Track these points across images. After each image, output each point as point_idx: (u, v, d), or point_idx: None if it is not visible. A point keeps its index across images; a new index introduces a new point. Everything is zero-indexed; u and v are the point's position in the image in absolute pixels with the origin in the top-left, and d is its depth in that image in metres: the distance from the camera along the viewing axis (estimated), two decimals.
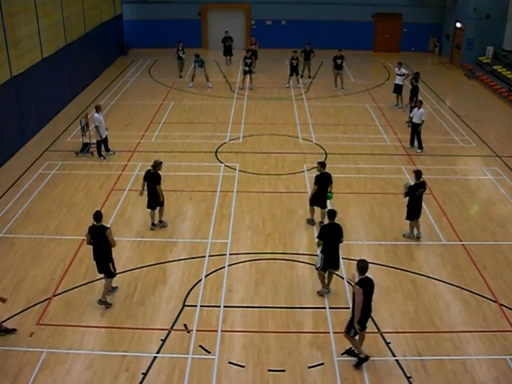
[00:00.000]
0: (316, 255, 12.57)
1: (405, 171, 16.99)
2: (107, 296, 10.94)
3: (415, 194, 12.93)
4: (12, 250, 12.75)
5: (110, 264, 10.75)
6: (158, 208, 13.64)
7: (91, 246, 10.74)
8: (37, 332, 10.18)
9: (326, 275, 11.28)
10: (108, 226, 11.07)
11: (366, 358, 9.45)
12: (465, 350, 9.93)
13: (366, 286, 9.21)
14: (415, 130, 18.49)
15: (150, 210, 13.57)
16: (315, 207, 13.78)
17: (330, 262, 11.06)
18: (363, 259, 9.54)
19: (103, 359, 9.59)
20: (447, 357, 9.75)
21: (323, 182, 13.37)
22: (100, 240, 10.57)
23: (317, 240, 11.31)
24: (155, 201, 13.44)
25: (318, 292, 11.30)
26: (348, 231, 13.67)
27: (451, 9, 31.44)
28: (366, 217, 14.42)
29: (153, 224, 13.60)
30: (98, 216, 10.67)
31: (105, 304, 10.84)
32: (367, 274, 9.32)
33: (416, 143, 18.68)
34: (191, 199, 15.23)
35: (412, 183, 13.30)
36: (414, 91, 20.88)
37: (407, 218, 13.26)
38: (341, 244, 11.23)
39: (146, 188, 13.47)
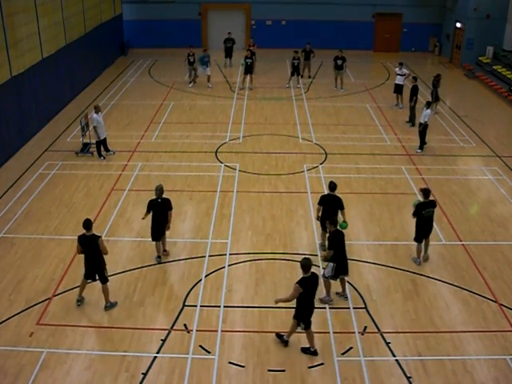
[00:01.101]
0: (316, 255, 12.61)
1: (405, 171, 16.99)
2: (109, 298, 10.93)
3: (422, 214, 12.01)
4: (12, 250, 12.75)
5: (105, 271, 10.70)
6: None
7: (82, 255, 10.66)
8: (37, 332, 10.18)
9: (339, 282, 11.14)
10: (99, 234, 10.95)
11: (315, 352, 9.77)
12: (465, 350, 9.93)
13: (306, 286, 9.36)
14: (419, 129, 18.63)
15: (155, 241, 12.24)
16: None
17: (341, 268, 10.89)
18: (307, 257, 9.65)
19: (103, 359, 9.59)
20: (447, 357, 9.75)
21: (328, 205, 12.29)
22: (92, 249, 10.47)
23: (327, 251, 10.83)
24: (162, 230, 12.21)
25: (321, 299, 11.01)
26: (348, 231, 13.62)
27: (451, 9, 31.45)
28: (366, 217, 14.42)
29: (159, 257, 12.31)
30: (88, 225, 10.46)
31: (111, 306, 10.84)
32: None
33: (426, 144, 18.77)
34: (191, 199, 15.23)
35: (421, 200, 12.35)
36: (414, 91, 20.89)
37: (415, 240, 12.31)
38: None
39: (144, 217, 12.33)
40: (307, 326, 9.69)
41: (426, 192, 12.24)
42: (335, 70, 25.43)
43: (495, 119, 22.71)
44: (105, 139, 17.70)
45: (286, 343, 9.93)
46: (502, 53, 28.47)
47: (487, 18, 28.83)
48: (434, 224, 13.83)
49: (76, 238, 10.67)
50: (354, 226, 13.89)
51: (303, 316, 9.62)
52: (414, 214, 12.13)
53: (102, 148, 17.63)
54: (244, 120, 21.48)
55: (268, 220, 14.17)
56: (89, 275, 10.76)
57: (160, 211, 12.03)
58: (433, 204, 12.26)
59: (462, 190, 16.04)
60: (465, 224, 14.16)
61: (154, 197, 12.05)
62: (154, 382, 9.13)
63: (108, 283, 10.83)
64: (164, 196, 12.15)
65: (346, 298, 11.21)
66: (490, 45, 28.90)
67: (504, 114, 23.35)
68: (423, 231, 12.27)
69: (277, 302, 9.75)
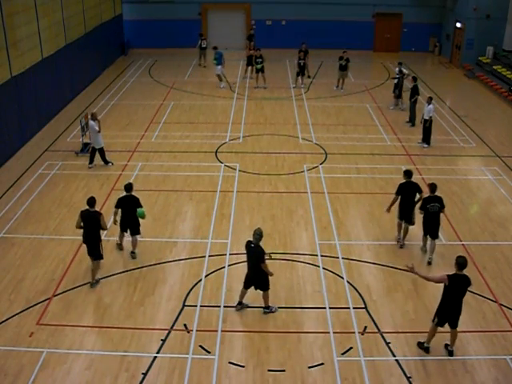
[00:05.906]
0: (315, 255, 12.62)
1: None
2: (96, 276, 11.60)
3: (428, 209, 12.22)
4: (12, 250, 12.75)
5: (100, 248, 11.37)
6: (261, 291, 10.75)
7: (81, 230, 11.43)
8: (37, 332, 10.18)
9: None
10: (101, 212, 11.71)
11: None
12: (465, 350, 9.92)
13: (454, 283, 9.54)
14: (424, 125, 18.91)
15: (243, 288, 10.76)
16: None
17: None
18: (463, 255, 9.76)
19: (103, 359, 9.59)
20: (447, 357, 9.75)
21: (406, 193, 12.81)
22: (92, 225, 11.22)
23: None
24: (257, 281, 10.58)
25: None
26: (348, 231, 13.69)
27: (451, 9, 31.45)
28: (366, 217, 14.41)
29: (239, 303, 10.84)
30: (91, 202, 11.32)
31: (97, 283, 11.52)
32: None
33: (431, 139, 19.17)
34: (191, 199, 15.23)
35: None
36: (415, 91, 20.90)
37: (424, 234, 12.67)
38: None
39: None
40: (440, 324, 9.69)
41: (432, 187, 12.42)
42: (339, 72, 25.27)
43: (495, 119, 22.71)
44: (102, 150, 16.86)
45: (427, 350, 9.84)
46: (502, 53, 28.47)
47: (487, 18, 28.81)
48: None
49: (75, 237, 10.76)
50: (353, 226, 13.90)
51: (440, 312, 9.64)
52: (421, 209, 12.35)
53: (100, 158, 16.91)
54: (244, 120, 21.47)
55: (268, 220, 14.16)
56: (89, 252, 11.41)
57: (253, 258, 10.47)
58: (438, 200, 12.31)
59: (462, 190, 16.04)
60: (465, 224, 14.15)
61: (250, 239, 10.53)
62: (154, 382, 9.13)
63: (101, 261, 11.50)
64: (259, 243, 10.42)
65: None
66: (490, 45, 28.89)
67: (504, 114, 23.34)
68: (427, 226, 12.48)
69: (412, 269, 9.64)
